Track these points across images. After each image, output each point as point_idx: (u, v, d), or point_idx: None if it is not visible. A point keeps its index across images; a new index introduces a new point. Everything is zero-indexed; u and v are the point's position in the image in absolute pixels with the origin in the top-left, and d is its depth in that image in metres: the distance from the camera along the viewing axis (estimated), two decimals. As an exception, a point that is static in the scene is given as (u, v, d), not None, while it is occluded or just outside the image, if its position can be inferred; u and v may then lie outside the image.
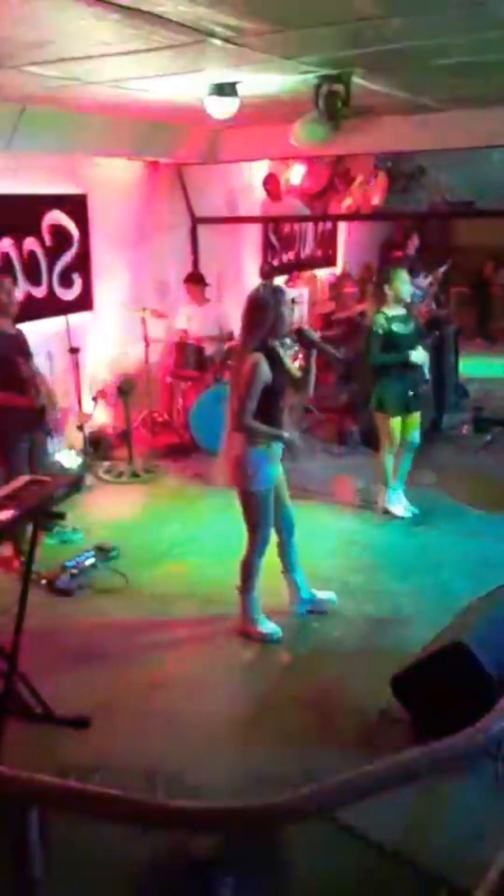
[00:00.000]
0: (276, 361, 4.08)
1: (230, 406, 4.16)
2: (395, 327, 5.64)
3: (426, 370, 5.84)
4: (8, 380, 4.83)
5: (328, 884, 2.82)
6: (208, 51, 3.96)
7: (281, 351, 4.19)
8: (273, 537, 4.38)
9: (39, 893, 2.01)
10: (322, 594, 4.61)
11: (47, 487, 3.62)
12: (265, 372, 4.00)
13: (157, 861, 2.82)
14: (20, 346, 5.06)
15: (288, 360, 4.25)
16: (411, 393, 5.76)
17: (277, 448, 4.21)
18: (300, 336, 4.28)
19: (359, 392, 6.31)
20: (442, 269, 8.17)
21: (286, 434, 4.18)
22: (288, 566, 4.52)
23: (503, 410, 8.29)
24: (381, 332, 5.60)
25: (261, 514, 4.24)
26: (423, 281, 8.82)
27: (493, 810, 3.10)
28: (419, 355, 5.69)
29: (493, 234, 12.64)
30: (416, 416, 5.90)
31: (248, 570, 4.33)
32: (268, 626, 4.36)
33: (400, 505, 5.96)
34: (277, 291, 4.14)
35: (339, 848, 2.93)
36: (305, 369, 4.26)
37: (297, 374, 4.27)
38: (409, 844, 2.96)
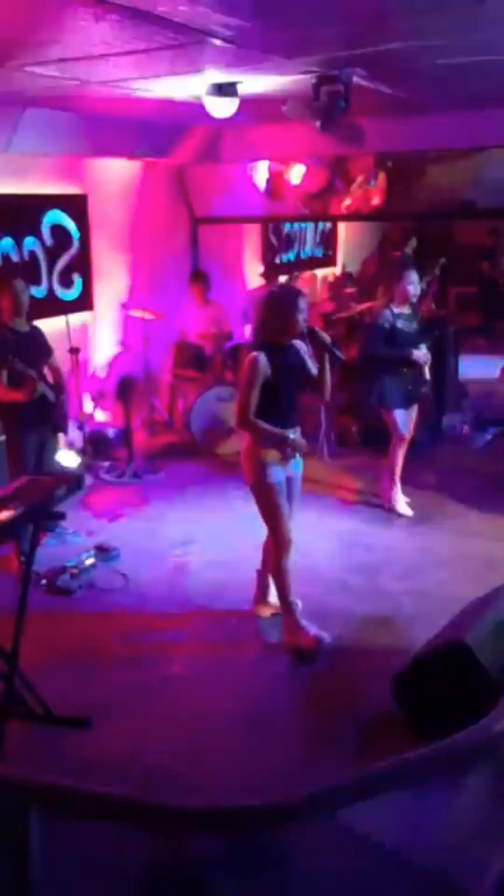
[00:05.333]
0: (283, 359, 4.08)
1: (235, 403, 4.17)
2: (400, 324, 5.70)
3: (427, 371, 5.87)
4: (19, 377, 4.87)
5: (328, 884, 2.82)
6: (208, 51, 3.96)
7: (301, 351, 4.18)
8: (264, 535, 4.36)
9: (39, 893, 2.01)
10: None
11: (47, 487, 3.62)
12: (262, 368, 4.01)
13: (156, 861, 2.81)
14: (34, 344, 5.11)
15: (307, 360, 4.22)
16: (410, 388, 5.82)
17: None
18: (312, 337, 4.22)
19: (359, 392, 6.33)
20: (436, 268, 8.15)
21: (289, 434, 4.15)
22: (266, 566, 4.51)
23: (503, 410, 8.29)
24: (386, 325, 5.65)
25: (270, 509, 4.21)
26: (422, 282, 8.80)
27: (493, 810, 3.10)
28: (420, 354, 5.73)
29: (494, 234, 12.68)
30: (413, 411, 5.96)
31: (279, 575, 4.28)
32: (316, 632, 4.27)
33: (405, 504, 5.99)
34: (292, 292, 4.15)
35: (339, 848, 2.93)
36: (319, 370, 4.23)
37: (314, 374, 4.23)
38: (409, 844, 2.96)
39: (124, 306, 7.72)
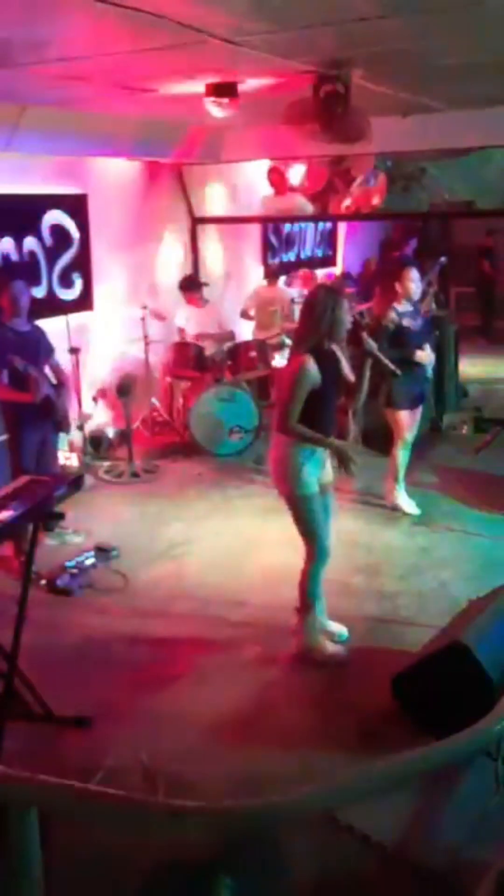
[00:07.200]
0: (328, 365, 3.95)
1: (276, 407, 4.05)
2: (406, 322, 5.70)
3: (429, 370, 5.88)
4: (21, 376, 4.87)
5: (328, 884, 2.82)
6: (208, 51, 3.96)
7: (340, 355, 4.03)
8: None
9: (39, 893, 2.01)
10: (333, 625, 4.36)
11: (47, 487, 3.62)
12: (312, 374, 3.87)
13: (156, 861, 2.81)
14: (34, 343, 5.11)
15: (345, 365, 4.08)
16: (416, 388, 5.84)
17: (322, 452, 4.05)
18: (358, 344, 4.12)
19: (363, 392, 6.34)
20: (436, 268, 8.17)
21: (334, 441, 4.02)
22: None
23: (503, 410, 8.29)
24: (391, 326, 5.64)
25: (309, 522, 4.05)
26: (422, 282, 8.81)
27: (493, 810, 3.10)
28: (423, 355, 5.75)
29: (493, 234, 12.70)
30: (419, 412, 5.97)
31: (309, 586, 4.12)
32: (333, 648, 4.18)
33: (409, 502, 6.00)
34: (336, 294, 4.02)
35: (339, 848, 2.93)
36: (359, 377, 4.11)
37: (351, 380, 4.11)
38: (409, 844, 2.96)
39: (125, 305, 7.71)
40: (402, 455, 5.93)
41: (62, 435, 5.49)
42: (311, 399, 3.91)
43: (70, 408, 5.30)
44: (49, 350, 5.24)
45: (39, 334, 5.23)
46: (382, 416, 5.94)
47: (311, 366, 3.88)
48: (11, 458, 5.06)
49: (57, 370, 5.24)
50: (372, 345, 4.19)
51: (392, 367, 4.62)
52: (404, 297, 5.75)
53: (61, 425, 5.20)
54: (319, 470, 4.09)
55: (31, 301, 5.24)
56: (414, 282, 5.77)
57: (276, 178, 9.33)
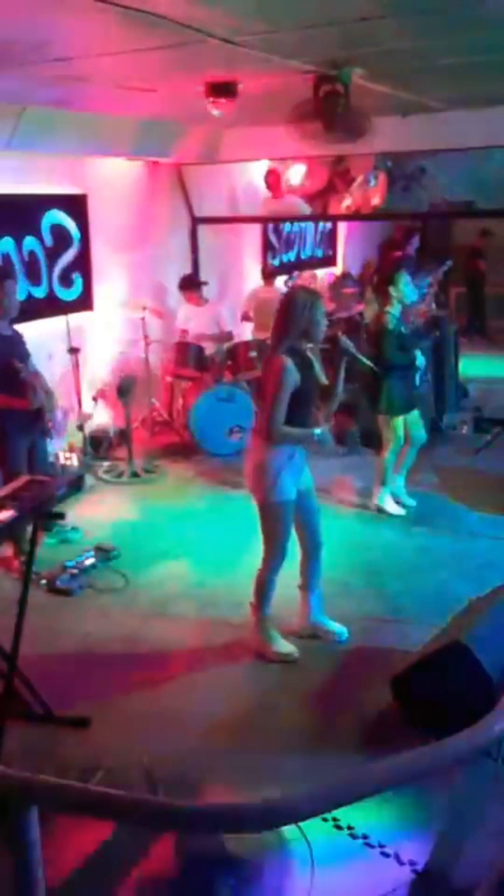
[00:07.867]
0: (305, 365, 3.93)
1: (258, 409, 4.05)
2: (403, 327, 5.72)
3: (420, 374, 5.91)
4: (6, 381, 4.82)
5: (328, 884, 2.82)
6: (208, 51, 3.96)
7: (311, 356, 4.01)
8: (297, 551, 4.26)
9: (39, 893, 2.01)
10: (333, 625, 4.36)
11: (47, 487, 3.62)
12: (294, 375, 3.84)
13: (157, 861, 2.81)
14: (16, 347, 5.05)
15: (318, 366, 4.04)
16: (412, 392, 5.86)
17: (301, 457, 4.05)
18: (334, 344, 4.13)
19: (359, 392, 6.33)
20: (442, 269, 8.18)
21: (317, 430, 4.00)
22: (307, 583, 4.33)
23: (503, 410, 8.29)
24: (396, 330, 5.66)
25: (278, 527, 4.05)
26: (423, 282, 8.82)
27: (493, 810, 3.10)
28: (421, 358, 5.80)
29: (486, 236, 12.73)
30: (416, 414, 5.99)
31: (262, 586, 4.16)
32: (284, 646, 4.18)
33: (395, 503, 6.00)
34: (314, 295, 4.01)
35: (339, 848, 2.93)
36: (335, 377, 4.10)
37: (325, 381, 4.09)
38: (409, 845, 2.96)
39: (125, 305, 7.72)
40: (390, 458, 5.93)
41: (53, 438, 5.44)
42: (292, 400, 3.88)
43: (54, 414, 5.20)
44: (27, 355, 5.12)
45: (19, 338, 5.13)
46: (375, 420, 5.95)
47: (292, 366, 3.86)
48: (2, 465, 5.01)
49: (35, 376, 5.11)
50: (348, 343, 4.18)
51: (370, 364, 4.59)
52: (397, 301, 5.74)
53: (47, 432, 5.14)
54: (297, 475, 4.06)
55: (22, 303, 5.17)
56: (408, 285, 5.77)
57: (273, 181, 9.34)
